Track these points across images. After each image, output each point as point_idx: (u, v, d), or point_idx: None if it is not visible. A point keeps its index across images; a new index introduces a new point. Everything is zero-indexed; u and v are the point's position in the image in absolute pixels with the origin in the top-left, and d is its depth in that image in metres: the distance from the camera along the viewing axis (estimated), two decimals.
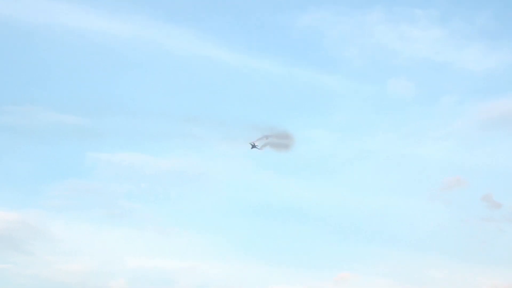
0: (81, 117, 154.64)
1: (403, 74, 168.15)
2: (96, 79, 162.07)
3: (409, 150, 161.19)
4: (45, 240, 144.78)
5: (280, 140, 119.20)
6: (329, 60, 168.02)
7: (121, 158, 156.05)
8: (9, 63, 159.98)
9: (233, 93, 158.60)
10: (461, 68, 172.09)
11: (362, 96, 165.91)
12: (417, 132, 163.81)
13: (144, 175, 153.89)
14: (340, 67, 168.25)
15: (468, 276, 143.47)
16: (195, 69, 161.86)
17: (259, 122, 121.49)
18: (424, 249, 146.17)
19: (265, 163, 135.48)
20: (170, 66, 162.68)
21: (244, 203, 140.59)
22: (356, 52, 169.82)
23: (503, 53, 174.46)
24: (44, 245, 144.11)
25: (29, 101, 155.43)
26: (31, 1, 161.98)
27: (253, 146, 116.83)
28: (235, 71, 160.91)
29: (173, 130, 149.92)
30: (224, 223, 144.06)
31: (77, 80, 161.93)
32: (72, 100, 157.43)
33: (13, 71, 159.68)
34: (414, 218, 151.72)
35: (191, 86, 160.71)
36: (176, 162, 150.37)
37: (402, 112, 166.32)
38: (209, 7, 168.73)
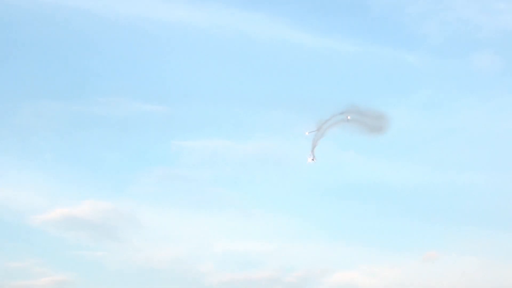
0: (164, 106, 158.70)
1: (487, 48, 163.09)
2: (177, 68, 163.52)
3: (497, 125, 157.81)
4: (136, 228, 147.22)
5: (370, 121, 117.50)
6: (409, 37, 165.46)
7: (204, 145, 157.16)
8: (95, 56, 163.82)
9: (312, 75, 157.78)
10: None
11: (445, 72, 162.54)
12: (505, 107, 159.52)
13: (228, 161, 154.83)
14: (421, 44, 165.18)
15: None
16: (273, 53, 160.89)
17: (340, 102, 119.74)
18: None
19: (347, 143, 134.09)
20: (248, 51, 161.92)
21: (328, 184, 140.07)
22: (437, 27, 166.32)
23: None
24: (135, 233, 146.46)
25: (115, 93, 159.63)
26: None
27: (312, 158, 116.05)
28: (313, 53, 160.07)
29: (254, 115, 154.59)
30: (308, 205, 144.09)
31: (159, 70, 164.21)
32: (155, 90, 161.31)
33: (99, 64, 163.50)
34: (504, 196, 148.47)
35: (270, 70, 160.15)
36: (258, 146, 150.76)
37: (488, 87, 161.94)
38: None
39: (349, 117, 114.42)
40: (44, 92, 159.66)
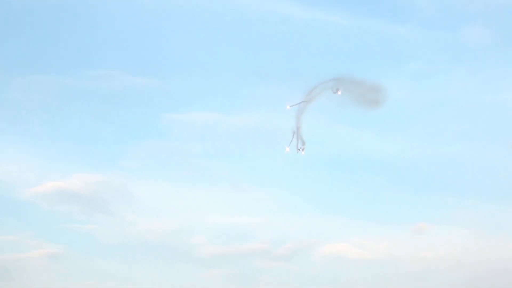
0: (155, 79, 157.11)
1: (478, 20, 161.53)
2: (166, 40, 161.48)
3: (487, 97, 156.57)
4: (127, 201, 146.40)
5: (362, 94, 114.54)
6: (400, 9, 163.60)
7: (195, 118, 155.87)
8: (86, 29, 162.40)
9: (303, 47, 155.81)
10: None
11: (436, 44, 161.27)
12: (495, 79, 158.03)
13: (218, 134, 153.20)
14: (412, 16, 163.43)
15: None
16: (264, 25, 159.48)
17: (331, 75, 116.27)
18: (503, 199, 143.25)
19: (337, 116, 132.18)
20: (239, 23, 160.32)
21: (318, 157, 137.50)
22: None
23: None
24: (127, 206, 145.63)
25: (105, 66, 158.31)
26: None
27: (301, 148, 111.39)
28: (304, 25, 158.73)
29: (246, 88, 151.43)
30: (299, 178, 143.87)
31: (148, 43, 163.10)
32: (146, 63, 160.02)
33: (89, 37, 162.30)
34: (493, 168, 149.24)
35: (261, 42, 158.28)
36: (250, 120, 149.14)
37: (478, 59, 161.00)
38: None
39: (339, 92, 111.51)
40: (33, 66, 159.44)
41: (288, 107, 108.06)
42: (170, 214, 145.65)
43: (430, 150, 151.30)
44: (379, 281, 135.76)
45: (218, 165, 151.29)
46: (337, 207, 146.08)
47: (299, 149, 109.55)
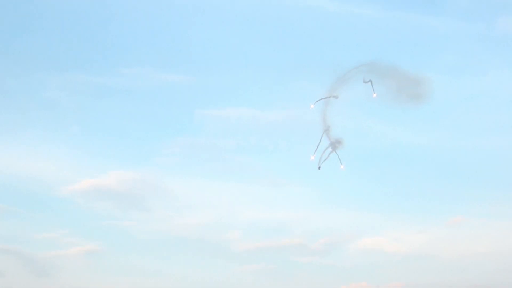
0: (187, 75, 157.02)
1: None
2: (199, 37, 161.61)
3: None
4: (162, 197, 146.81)
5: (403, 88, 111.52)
6: (433, 1, 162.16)
7: (228, 113, 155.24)
8: (118, 27, 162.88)
9: (337, 41, 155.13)
10: None
11: (470, 36, 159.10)
12: None
13: (252, 129, 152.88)
14: (445, 7, 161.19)
15: None
16: (298, 19, 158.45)
17: (364, 68, 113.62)
18: None
19: (372, 108, 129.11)
20: (272, 17, 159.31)
21: (352, 150, 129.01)
22: None
23: None
24: (162, 202, 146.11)
25: (138, 64, 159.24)
26: None
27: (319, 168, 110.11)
28: (337, 19, 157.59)
29: (279, 82, 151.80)
30: (334, 173, 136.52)
31: (181, 39, 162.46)
32: (178, 60, 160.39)
33: (121, 35, 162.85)
34: None
35: (295, 36, 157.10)
36: (283, 114, 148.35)
37: None
38: None
39: (374, 95, 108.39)
40: (68, 65, 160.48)
41: (312, 106, 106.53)
42: (205, 210, 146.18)
43: (466, 142, 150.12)
44: (415, 275, 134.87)
45: (252, 160, 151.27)
46: (373, 201, 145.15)
47: (319, 167, 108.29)
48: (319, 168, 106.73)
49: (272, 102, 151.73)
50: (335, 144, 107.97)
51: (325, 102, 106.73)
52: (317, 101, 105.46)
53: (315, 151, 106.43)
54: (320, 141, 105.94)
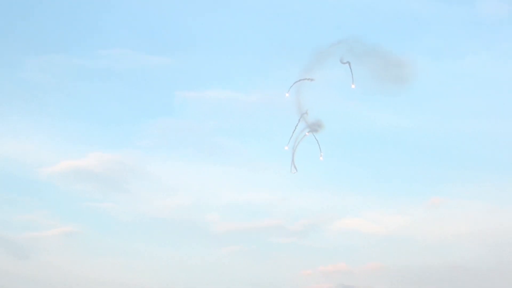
0: (168, 57, 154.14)
1: None
2: (180, 18, 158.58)
3: (502, 72, 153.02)
4: (142, 179, 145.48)
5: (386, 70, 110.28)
6: None
7: (208, 95, 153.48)
8: (97, 8, 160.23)
9: (318, 22, 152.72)
10: None
11: (450, 19, 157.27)
12: (510, 52, 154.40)
13: (233, 111, 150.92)
14: None
15: None
16: (278, 1, 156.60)
17: (343, 49, 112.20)
18: None
19: (351, 91, 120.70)
20: None
21: (331, 133, 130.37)
22: None
23: None
24: (142, 184, 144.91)
25: (117, 45, 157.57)
26: None
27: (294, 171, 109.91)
28: (318, 0, 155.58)
29: (260, 65, 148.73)
30: (313, 155, 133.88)
31: (161, 21, 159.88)
32: (158, 41, 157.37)
33: (100, 16, 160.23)
34: (507, 141, 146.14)
35: (274, 18, 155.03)
36: (263, 96, 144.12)
37: (494, 32, 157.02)
38: None
39: (353, 86, 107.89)
40: (47, 46, 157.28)
41: (287, 94, 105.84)
42: (185, 192, 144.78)
43: (446, 125, 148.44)
44: (393, 256, 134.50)
45: (232, 143, 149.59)
46: (351, 183, 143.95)
47: (293, 172, 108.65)
48: (293, 173, 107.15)
49: (252, 84, 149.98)
50: (313, 129, 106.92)
51: (302, 85, 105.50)
52: (292, 86, 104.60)
53: (289, 141, 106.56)
54: (295, 128, 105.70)
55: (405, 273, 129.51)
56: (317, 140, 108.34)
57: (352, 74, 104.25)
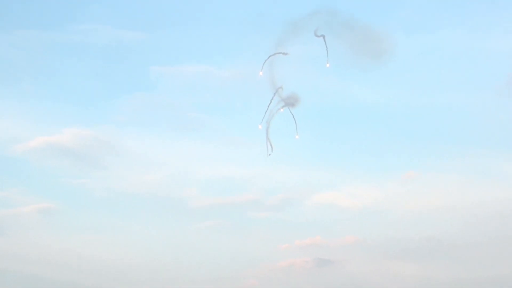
0: (142, 32, 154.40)
1: None
2: None
3: (476, 44, 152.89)
4: (118, 155, 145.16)
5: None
6: None
7: (183, 70, 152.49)
8: None
9: None
10: None
11: None
12: (485, 25, 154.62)
13: (208, 86, 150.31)
14: None
15: None
16: None
17: (320, 23, 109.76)
18: (492, 144, 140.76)
19: (328, 67, 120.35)
20: None
21: (308, 107, 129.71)
22: None
23: None
24: (117, 160, 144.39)
25: (92, 20, 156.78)
26: None
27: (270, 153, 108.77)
28: None
29: (235, 39, 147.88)
30: (289, 130, 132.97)
31: None
32: (132, 16, 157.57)
33: None
34: (482, 114, 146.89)
35: None
36: (238, 71, 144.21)
37: (468, 5, 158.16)
38: None
39: (328, 65, 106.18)
40: (19, 21, 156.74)
41: (260, 73, 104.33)
42: (161, 167, 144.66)
43: (421, 99, 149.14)
44: (370, 229, 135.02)
45: (208, 118, 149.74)
46: (328, 158, 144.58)
47: (269, 154, 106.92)
48: (269, 155, 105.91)
49: (226, 58, 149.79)
50: (289, 103, 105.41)
51: (277, 60, 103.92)
52: (266, 60, 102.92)
53: (263, 117, 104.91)
54: (270, 103, 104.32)
55: (381, 246, 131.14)
56: (293, 115, 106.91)
57: (327, 48, 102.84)
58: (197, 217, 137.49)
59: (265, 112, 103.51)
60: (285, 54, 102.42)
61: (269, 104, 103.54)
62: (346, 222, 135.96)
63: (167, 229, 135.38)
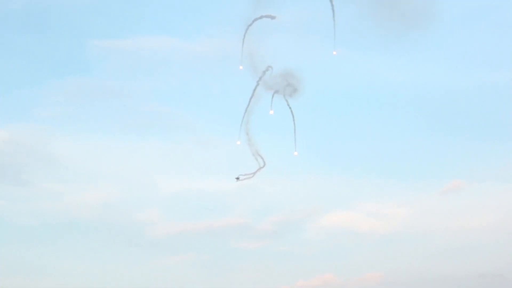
0: None
1: None
2: None
3: None
4: (46, 165, 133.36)
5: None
6: None
7: (136, 44, 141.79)
8: None
9: None
10: None
11: None
12: None
13: (172, 66, 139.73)
14: None
15: None
16: None
17: None
18: None
19: (332, 34, 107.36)
20: None
21: (311, 95, 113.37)
22: None
23: None
24: (46, 171, 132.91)
25: None
26: None
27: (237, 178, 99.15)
28: None
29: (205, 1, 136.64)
30: (286, 122, 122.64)
31: None
32: None
33: None
34: None
35: None
36: (214, 44, 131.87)
37: None
38: None
39: (335, 53, 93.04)
40: None
41: (240, 67, 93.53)
42: (107, 181, 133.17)
43: (468, 78, 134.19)
44: (399, 262, 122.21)
45: (173, 110, 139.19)
46: (339, 163, 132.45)
47: (237, 178, 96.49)
48: (237, 179, 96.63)
49: (198, 28, 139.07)
50: (284, 92, 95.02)
51: (262, 26, 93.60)
52: (248, 27, 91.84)
53: (243, 117, 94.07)
54: (253, 94, 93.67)
55: (417, 287, 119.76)
56: (290, 108, 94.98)
57: (333, 11, 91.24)
58: (161, 250, 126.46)
59: (246, 108, 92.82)
60: (273, 18, 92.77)
61: (252, 94, 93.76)
62: (367, 254, 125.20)
63: (118, 269, 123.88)
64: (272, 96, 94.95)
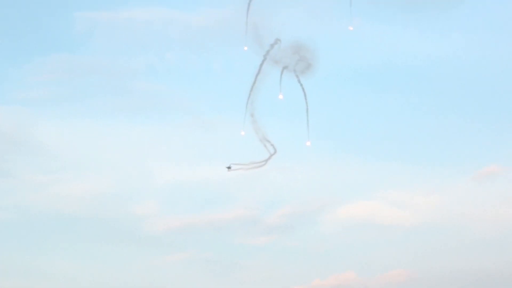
0: None
1: None
2: None
3: None
4: (29, 152, 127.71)
5: None
6: None
7: (129, 16, 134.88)
8: None
9: None
10: None
11: None
12: None
13: (169, 40, 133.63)
14: None
15: None
16: None
17: None
18: None
19: (354, 8, 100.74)
20: None
21: (326, 72, 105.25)
22: None
23: None
24: (28, 159, 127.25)
25: None
26: None
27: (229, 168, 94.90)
28: None
29: None
30: (298, 100, 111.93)
31: None
32: None
33: None
34: None
35: None
36: (215, 15, 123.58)
37: None
38: None
39: (351, 28, 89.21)
40: None
41: (245, 48, 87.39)
42: (99, 170, 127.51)
43: (504, 51, 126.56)
44: (428, 257, 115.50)
45: (170, 89, 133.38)
46: (357, 148, 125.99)
47: (228, 167, 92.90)
48: (228, 168, 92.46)
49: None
50: (295, 69, 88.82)
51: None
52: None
53: (248, 100, 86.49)
54: (259, 71, 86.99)
55: (446, 285, 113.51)
56: (302, 86, 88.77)
57: None
58: (158, 247, 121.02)
59: (252, 86, 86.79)
60: None
61: (258, 71, 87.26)
62: (391, 248, 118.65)
63: (111, 268, 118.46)
64: (281, 73, 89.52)
